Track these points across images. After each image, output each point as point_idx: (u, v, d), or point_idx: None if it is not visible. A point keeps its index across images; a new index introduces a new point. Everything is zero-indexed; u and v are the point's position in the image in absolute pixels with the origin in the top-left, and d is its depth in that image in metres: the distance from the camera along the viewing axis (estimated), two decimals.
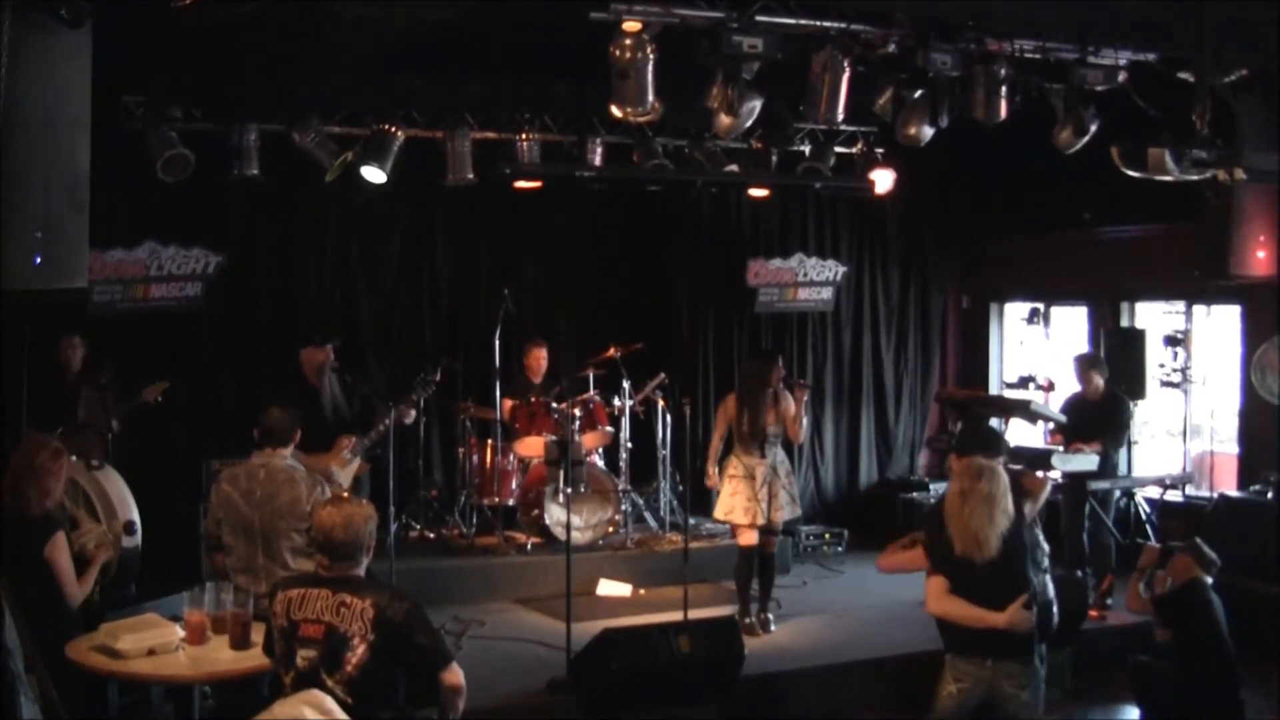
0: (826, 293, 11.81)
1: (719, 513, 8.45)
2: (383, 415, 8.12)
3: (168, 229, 9.41)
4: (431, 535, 10.02)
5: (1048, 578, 6.19)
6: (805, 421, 8.55)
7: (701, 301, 11.63)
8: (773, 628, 8.43)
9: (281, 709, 4.10)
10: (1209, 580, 6.80)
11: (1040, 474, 7.69)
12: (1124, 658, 7.26)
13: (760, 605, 8.47)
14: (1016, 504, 5.42)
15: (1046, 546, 6.41)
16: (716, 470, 8.45)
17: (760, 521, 8.20)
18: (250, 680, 5.28)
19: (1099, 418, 9.35)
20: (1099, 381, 9.42)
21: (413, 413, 8.49)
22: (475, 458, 9.90)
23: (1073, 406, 9.66)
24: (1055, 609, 5.97)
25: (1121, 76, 7.70)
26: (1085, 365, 9.51)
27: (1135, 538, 9.71)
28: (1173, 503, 10.24)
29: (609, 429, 10.04)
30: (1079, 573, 8.92)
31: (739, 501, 8.23)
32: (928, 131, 8.05)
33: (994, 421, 9.81)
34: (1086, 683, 8.00)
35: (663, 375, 10.26)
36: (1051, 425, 9.72)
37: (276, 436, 6.02)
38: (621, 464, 10.21)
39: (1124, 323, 11.18)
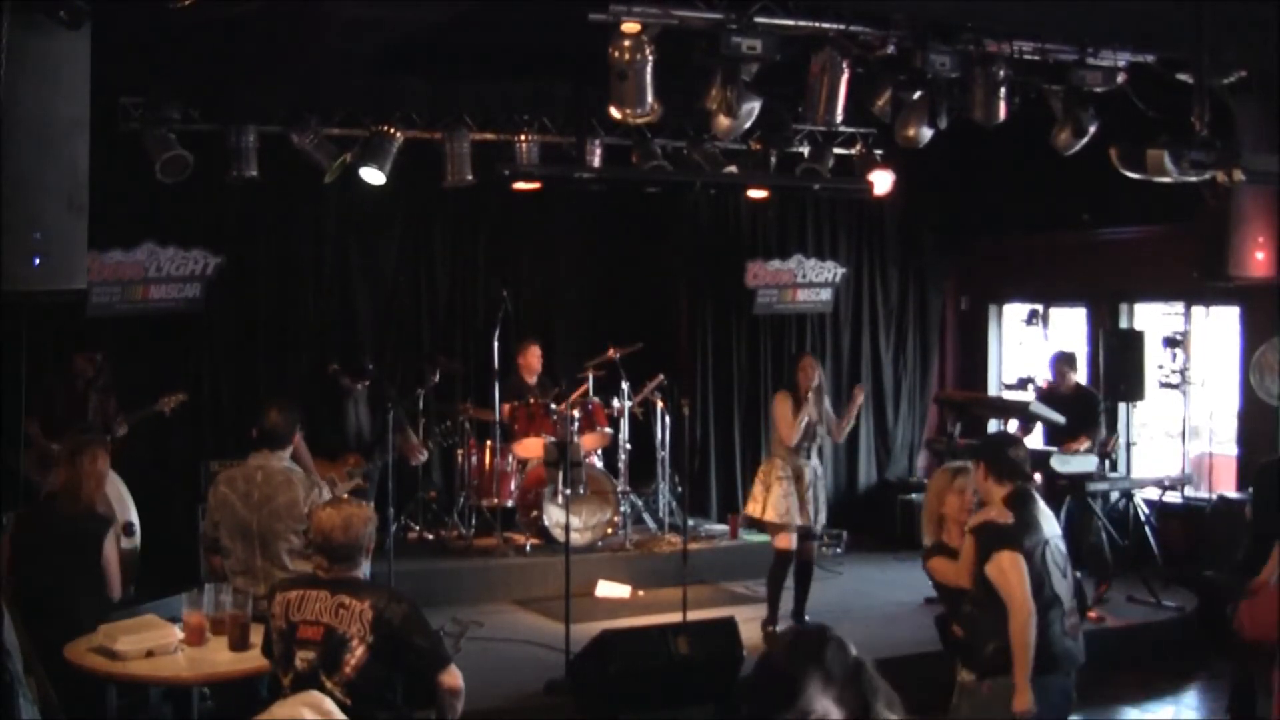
0: (825, 294, 11.80)
1: (770, 514, 8.19)
2: (381, 454, 8.19)
3: (166, 230, 9.40)
4: (430, 536, 10.02)
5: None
6: (850, 424, 8.54)
7: (700, 303, 11.62)
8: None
9: (280, 710, 4.07)
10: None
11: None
12: (1122, 659, 7.24)
13: (796, 612, 8.42)
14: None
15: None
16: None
17: (809, 522, 8.16)
18: (249, 682, 5.29)
19: (1075, 413, 9.40)
20: (1073, 378, 9.65)
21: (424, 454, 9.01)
22: (474, 459, 9.90)
23: (1044, 402, 9.70)
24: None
25: (1120, 78, 7.71)
26: (1066, 363, 9.71)
27: (1135, 539, 9.72)
28: (1171, 504, 10.24)
29: (608, 430, 10.03)
30: (1077, 574, 8.90)
31: (792, 502, 8.11)
32: (926, 133, 8.06)
33: (993, 423, 9.82)
34: (1084, 684, 7.98)
35: (661, 377, 10.25)
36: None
37: (274, 438, 6.01)
38: (620, 465, 10.21)
39: (1123, 324, 11.16)
